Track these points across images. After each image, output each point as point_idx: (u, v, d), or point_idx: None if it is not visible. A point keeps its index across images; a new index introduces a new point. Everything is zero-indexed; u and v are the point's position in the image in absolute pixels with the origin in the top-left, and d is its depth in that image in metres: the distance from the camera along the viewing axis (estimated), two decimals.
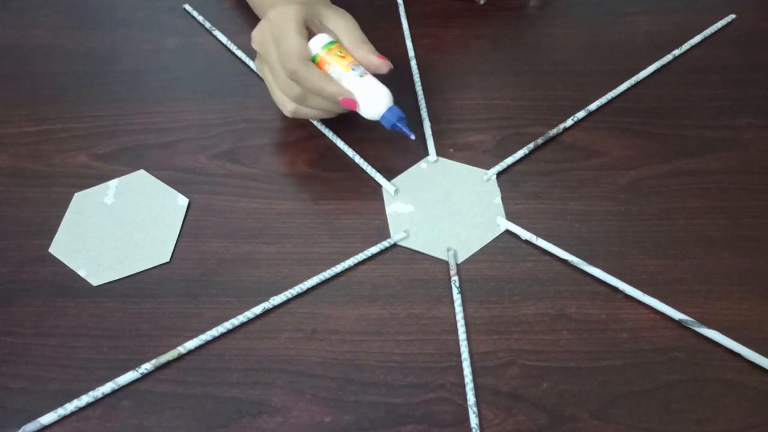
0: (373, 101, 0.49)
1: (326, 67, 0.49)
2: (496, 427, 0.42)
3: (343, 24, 0.52)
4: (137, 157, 0.55)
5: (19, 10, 0.68)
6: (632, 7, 0.68)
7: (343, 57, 0.49)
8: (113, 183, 0.53)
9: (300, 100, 0.50)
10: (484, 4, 0.67)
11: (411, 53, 0.63)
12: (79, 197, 0.52)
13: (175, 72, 0.62)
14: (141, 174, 0.54)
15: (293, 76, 0.49)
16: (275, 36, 0.49)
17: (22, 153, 0.56)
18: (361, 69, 0.50)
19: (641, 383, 0.43)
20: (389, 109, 0.50)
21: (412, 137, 0.51)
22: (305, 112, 0.52)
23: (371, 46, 0.51)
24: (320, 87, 0.49)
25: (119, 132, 0.57)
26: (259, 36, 0.51)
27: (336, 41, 0.51)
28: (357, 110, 0.50)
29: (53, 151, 0.56)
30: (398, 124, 0.50)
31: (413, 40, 0.64)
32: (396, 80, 0.60)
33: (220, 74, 0.61)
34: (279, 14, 0.50)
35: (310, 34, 0.51)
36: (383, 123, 0.51)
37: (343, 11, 0.53)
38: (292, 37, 0.49)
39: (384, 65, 0.51)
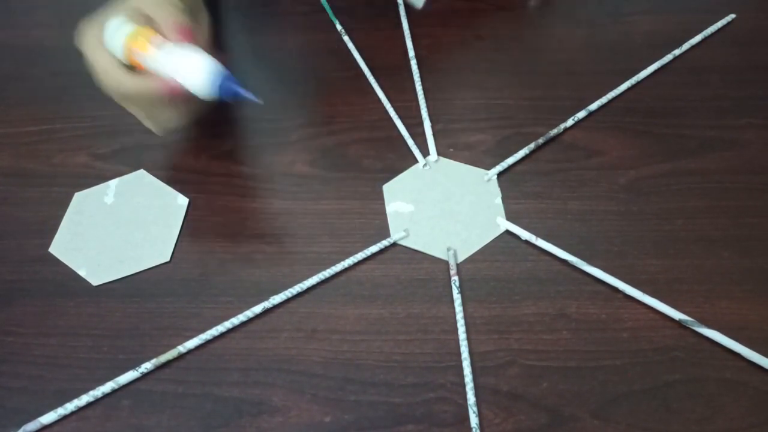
0: (194, 73, 0.41)
1: (137, 59, 0.42)
2: (496, 426, 0.42)
3: None
4: (137, 156, 0.55)
5: (19, 10, 0.68)
6: (632, 7, 0.68)
7: (147, 40, 0.42)
8: (113, 183, 0.53)
9: (149, 114, 0.47)
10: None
11: (411, 53, 0.63)
12: (79, 197, 0.52)
13: None
14: (141, 174, 0.54)
15: (121, 102, 0.46)
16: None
17: (22, 153, 0.56)
18: (172, 45, 0.42)
19: (641, 383, 0.43)
20: (216, 80, 0.41)
21: (260, 102, 0.42)
22: (161, 120, 0.48)
23: (166, 8, 0.43)
24: (141, 92, 0.43)
25: (119, 132, 0.57)
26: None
27: (140, 24, 0.43)
28: (189, 90, 0.42)
29: (53, 151, 0.56)
30: (233, 87, 0.41)
31: (413, 40, 0.64)
32: (396, 80, 0.61)
33: None
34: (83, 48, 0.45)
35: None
36: (220, 94, 0.42)
37: None
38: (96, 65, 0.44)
39: (182, 38, 0.43)
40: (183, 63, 0.41)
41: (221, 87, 0.41)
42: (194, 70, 0.41)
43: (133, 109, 0.48)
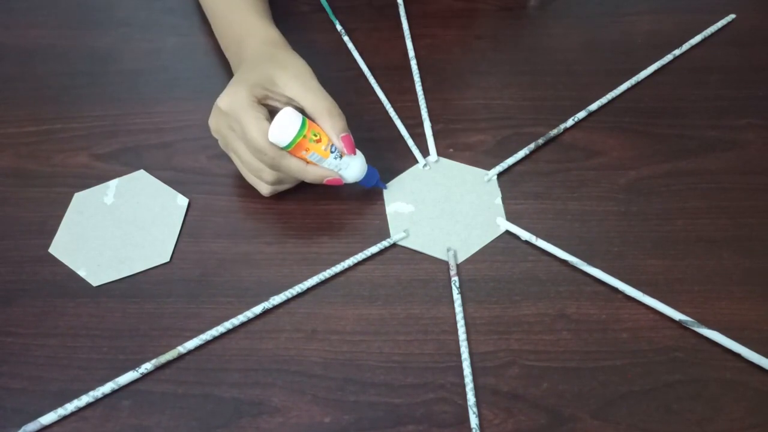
0: (353, 172, 0.49)
1: (303, 153, 0.47)
2: (496, 427, 0.41)
3: (299, 91, 0.48)
4: (137, 157, 0.55)
5: (19, 10, 0.68)
6: (632, 7, 0.68)
7: (318, 141, 0.47)
8: (113, 183, 0.53)
9: (276, 183, 0.50)
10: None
11: (411, 53, 0.63)
12: (79, 197, 0.52)
13: (175, 72, 0.62)
14: (141, 174, 0.54)
15: (274, 168, 0.48)
16: (234, 128, 0.48)
17: (22, 153, 0.56)
18: (337, 149, 0.48)
19: (641, 383, 0.43)
20: (367, 174, 0.50)
21: (386, 188, 0.53)
22: (282, 188, 0.51)
23: (335, 118, 0.47)
24: (302, 177, 0.48)
25: (119, 132, 0.57)
26: (215, 127, 0.50)
27: (304, 117, 0.47)
28: (344, 181, 0.50)
29: (53, 151, 0.56)
30: (377, 184, 0.52)
31: (413, 40, 0.64)
32: (396, 80, 0.61)
33: (220, 74, 0.61)
34: (230, 104, 0.47)
35: (268, 106, 0.49)
36: (362, 184, 0.51)
37: (294, 64, 0.50)
38: (253, 129, 0.46)
39: (348, 151, 0.48)
40: (346, 163, 0.49)
41: (369, 182, 0.51)
42: (355, 169, 0.49)
43: (256, 170, 0.49)
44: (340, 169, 0.49)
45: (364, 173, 0.50)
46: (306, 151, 0.47)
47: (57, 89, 0.60)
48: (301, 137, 0.46)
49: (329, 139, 0.48)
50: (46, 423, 0.41)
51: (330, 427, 0.42)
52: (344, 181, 0.49)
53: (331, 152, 0.48)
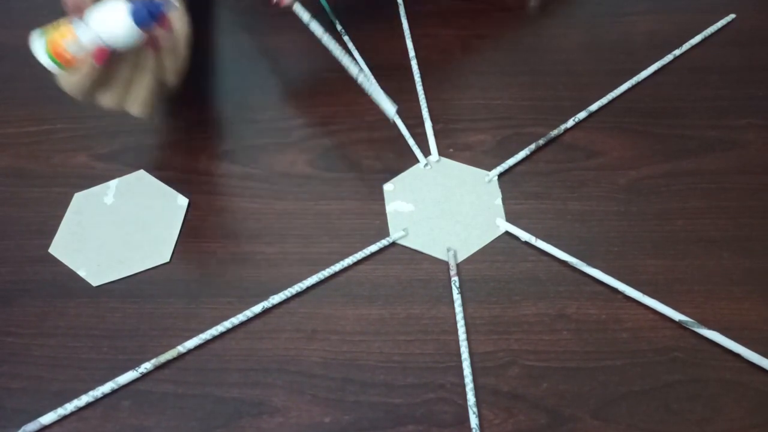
0: (117, 24, 0.42)
1: (63, 51, 0.43)
2: (496, 427, 0.42)
3: None
4: (137, 157, 0.55)
5: (19, 10, 0.68)
6: (632, 7, 0.68)
7: (60, 33, 0.43)
8: (113, 183, 0.53)
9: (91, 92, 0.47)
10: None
11: (411, 53, 0.63)
12: (79, 197, 0.52)
13: None
14: (141, 174, 0.54)
15: (88, 99, 0.46)
16: None
17: (22, 153, 0.56)
18: (83, 21, 0.43)
19: (641, 383, 0.43)
20: (134, 11, 0.42)
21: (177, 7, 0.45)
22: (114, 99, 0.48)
23: None
24: (69, 90, 0.45)
25: (119, 132, 0.57)
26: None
27: (43, 30, 0.44)
28: (115, 46, 0.44)
29: (53, 151, 0.56)
30: (151, 7, 0.42)
31: (413, 40, 0.64)
32: (397, 80, 0.61)
33: (219, 74, 0.61)
34: None
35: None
36: (140, 25, 0.42)
37: None
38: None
39: None
40: (101, 22, 0.42)
41: (142, 17, 0.42)
42: (113, 15, 0.42)
43: (103, 100, 0.48)
44: (101, 36, 0.43)
45: (130, 16, 0.42)
46: (63, 49, 0.43)
47: (57, 89, 0.60)
48: (50, 36, 0.43)
49: (67, 22, 0.44)
50: (46, 423, 0.41)
51: (330, 427, 0.42)
52: (115, 45, 0.43)
53: (75, 28, 0.43)
